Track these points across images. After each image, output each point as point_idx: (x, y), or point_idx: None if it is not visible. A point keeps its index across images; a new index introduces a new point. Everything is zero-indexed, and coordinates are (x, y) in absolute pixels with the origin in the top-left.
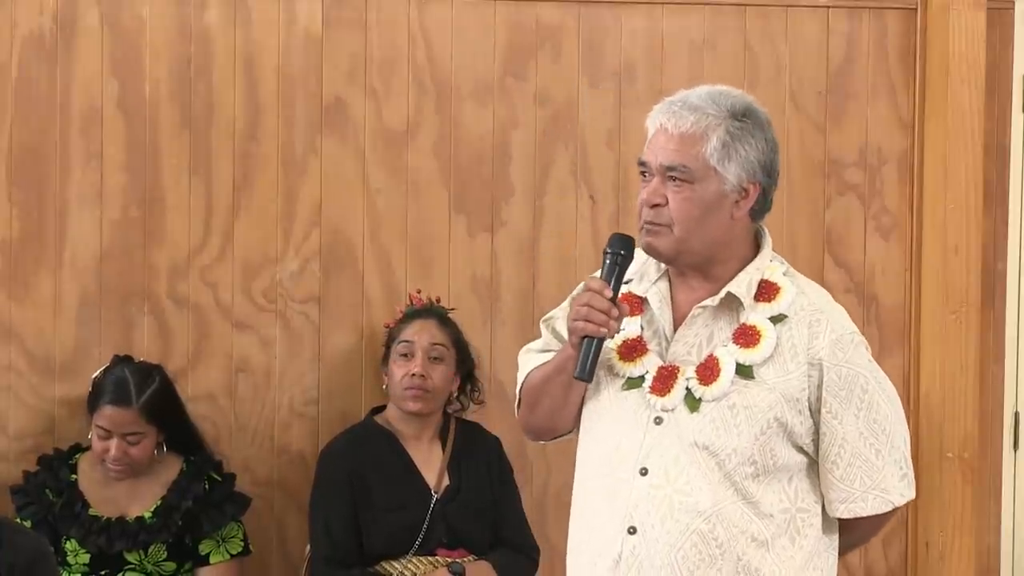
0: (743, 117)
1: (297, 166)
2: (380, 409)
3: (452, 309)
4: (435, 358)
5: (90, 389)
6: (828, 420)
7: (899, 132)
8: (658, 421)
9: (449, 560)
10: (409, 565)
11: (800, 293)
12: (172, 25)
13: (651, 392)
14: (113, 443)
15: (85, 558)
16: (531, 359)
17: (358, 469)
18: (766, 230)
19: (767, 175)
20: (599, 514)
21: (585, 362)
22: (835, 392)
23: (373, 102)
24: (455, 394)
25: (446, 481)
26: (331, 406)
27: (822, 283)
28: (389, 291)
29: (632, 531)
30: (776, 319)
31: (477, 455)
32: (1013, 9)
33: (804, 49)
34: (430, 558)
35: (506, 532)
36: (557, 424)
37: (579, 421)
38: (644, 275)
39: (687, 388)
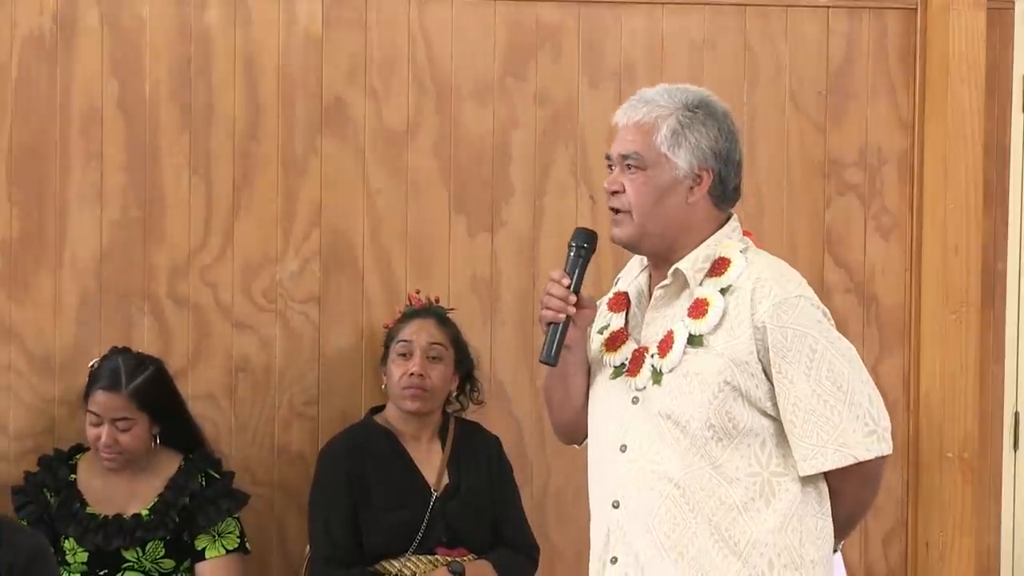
0: (695, 108)
1: (297, 166)
2: (380, 409)
3: (452, 309)
4: (433, 358)
5: (87, 379)
6: (780, 380)
7: (899, 132)
8: (635, 400)
9: (449, 559)
10: (409, 564)
11: (749, 264)
12: (172, 25)
13: (627, 375)
14: (104, 429)
15: (83, 556)
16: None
17: (358, 468)
18: (736, 216)
19: (722, 163)
20: (595, 496)
21: (550, 346)
22: (783, 353)
23: (373, 102)
24: (454, 394)
25: (446, 480)
26: (331, 406)
27: (822, 283)
28: (389, 291)
29: (616, 505)
30: (724, 290)
31: (477, 454)
32: (1013, 9)
33: (804, 49)
34: (430, 557)
35: (506, 531)
36: (570, 419)
37: None
38: (629, 273)
39: (652, 365)
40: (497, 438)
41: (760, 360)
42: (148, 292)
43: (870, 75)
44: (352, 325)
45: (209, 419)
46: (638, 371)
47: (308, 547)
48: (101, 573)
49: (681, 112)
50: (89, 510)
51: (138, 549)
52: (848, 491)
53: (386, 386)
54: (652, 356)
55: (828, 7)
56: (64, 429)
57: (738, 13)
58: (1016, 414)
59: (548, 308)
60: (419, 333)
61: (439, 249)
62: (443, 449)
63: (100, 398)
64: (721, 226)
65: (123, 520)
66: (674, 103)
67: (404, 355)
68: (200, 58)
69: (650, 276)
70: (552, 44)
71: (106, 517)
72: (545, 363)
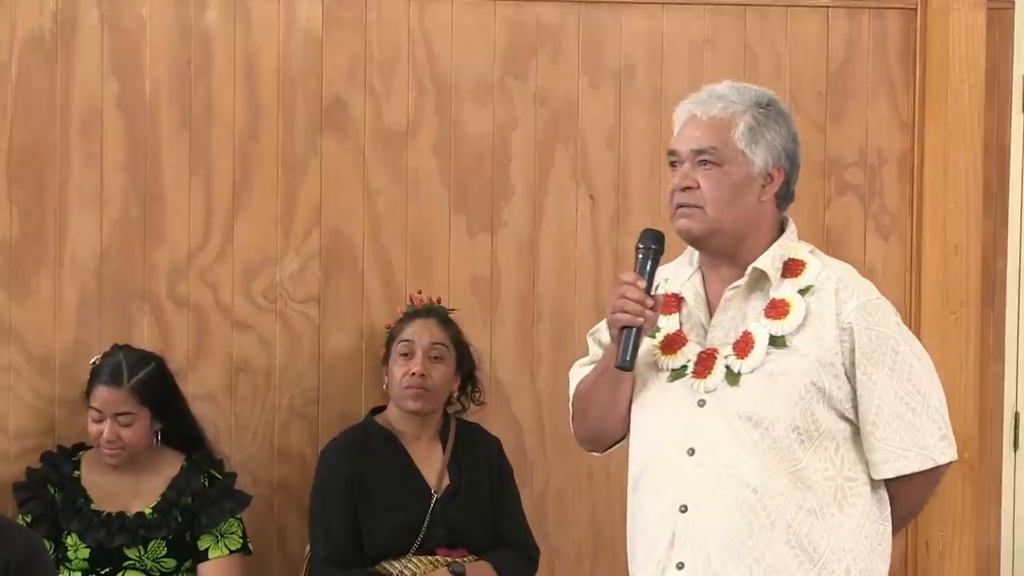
0: (767, 106)
1: (297, 166)
2: (380, 409)
3: (454, 309)
4: (435, 358)
5: (88, 377)
6: (864, 382)
7: (899, 132)
8: (702, 403)
9: (449, 560)
10: (409, 565)
11: (825, 266)
12: (172, 25)
13: (694, 377)
14: (106, 425)
15: (85, 553)
16: (580, 372)
17: (358, 469)
18: (790, 218)
19: (790, 162)
20: (652, 500)
21: (625, 351)
22: (868, 354)
23: (373, 102)
24: (455, 394)
25: (446, 481)
26: (331, 406)
27: None
28: (389, 291)
29: (683, 509)
30: (804, 291)
31: (477, 455)
32: (1013, 9)
33: (804, 49)
34: (430, 558)
35: (506, 532)
36: (608, 427)
37: (629, 424)
38: (678, 274)
39: (726, 366)
40: (497, 439)
41: (844, 362)
42: (148, 292)
43: (870, 75)
44: (352, 325)
45: (209, 419)
46: (707, 373)
47: (308, 547)
48: (103, 572)
49: (755, 109)
50: (93, 506)
51: (140, 547)
52: (911, 494)
53: (387, 386)
54: (726, 357)
55: (828, 7)
56: (64, 429)
57: (738, 13)
58: (1016, 414)
59: (624, 312)
60: (421, 333)
61: (439, 249)
62: (444, 450)
63: (102, 394)
64: (779, 227)
65: (126, 518)
66: (746, 100)
67: (406, 355)
68: (200, 58)
69: (703, 278)
70: (552, 44)
71: (109, 514)
72: (622, 369)
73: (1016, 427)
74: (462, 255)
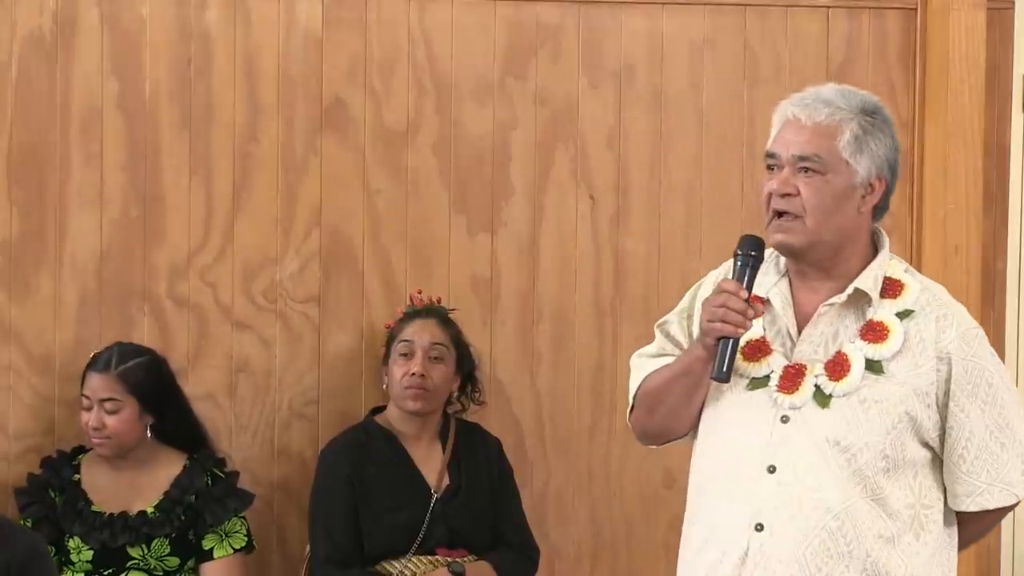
0: (873, 114)
1: (297, 166)
2: (380, 409)
3: (454, 309)
4: (435, 358)
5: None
6: (955, 413)
7: (899, 132)
8: (785, 419)
9: (449, 560)
10: (409, 565)
11: (924, 289)
12: (172, 25)
13: (778, 390)
14: (92, 412)
15: (88, 555)
16: (646, 364)
17: (358, 469)
18: (882, 230)
19: (891, 173)
20: (723, 512)
21: (723, 363)
22: (962, 386)
23: (373, 102)
24: (455, 394)
25: (446, 481)
26: (331, 406)
27: None
28: (389, 291)
29: (759, 528)
30: (903, 314)
31: (477, 455)
32: (1013, 9)
33: (804, 49)
34: (430, 558)
35: (506, 532)
36: (676, 426)
37: (697, 424)
38: (764, 276)
39: (816, 385)
40: (497, 439)
41: (937, 392)
42: (148, 292)
43: (870, 75)
44: (352, 325)
45: (209, 419)
46: (795, 389)
47: (308, 547)
48: (106, 573)
49: (862, 117)
50: (94, 508)
51: (143, 546)
52: (983, 524)
53: (387, 386)
54: (818, 376)
55: (828, 7)
56: (64, 429)
57: (738, 13)
58: None
59: (725, 322)
60: (421, 333)
61: (439, 249)
62: (444, 450)
63: (90, 380)
64: (872, 238)
65: (129, 517)
66: (852, 106)
67: (406, 355)
68: (200, 58)
69: (790, 284)
70: (552, 44)
71: (111, 515)
72: (719, 380)
73: None
74: (462, 255)
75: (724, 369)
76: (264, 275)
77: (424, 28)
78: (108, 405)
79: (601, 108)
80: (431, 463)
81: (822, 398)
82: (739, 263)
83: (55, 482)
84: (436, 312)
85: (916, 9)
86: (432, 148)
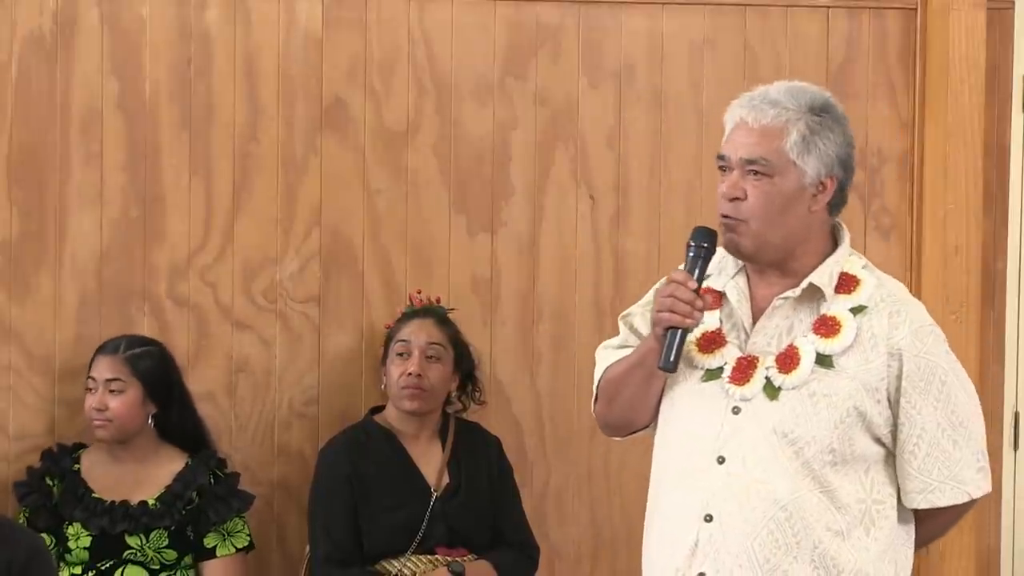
0: (822, 112)
1: (297, 166)
2: (380, 409)
3: (453, 309)
4: (432, 357)
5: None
6: (907, 410)
7: (899, 132)
8: (736, 410)
9: (449, 559)
10: (409, 564)
11: (879, 285)
12: (172, 25)
13: (730, 382)
14: (96, 395)
15: (86, 542)
16: (609, 355)
17: (358, 468)
18: (843, 225)
19: (844, 170)
20: (676, 503)
21: (669, 353)
22: (914, 382)
23: (373, 102)
24: (454, 394)
25: (446, 480)
26: (331, 406)
27: None
28: (389, 291)
29: (709, 519)
30: (856, 310)
31: (477, 454)
32: (1013, 9)
33: (804, 49)
34: (430, 557)
35: (506, 532)
36: (635, 417)
37: (657, 415)
38: (722, 270)
39: (766, 377)
40: (497, 438)
41: (888, 387)
42: (148, 292)
43: (870, 75)
44: (352, 325)
45: (209, 419)
46: (746, 381)
47: (308, 547)
48: (103, 566)
49: (809, 116)
50: (95, 495)
51: (142, 536)
52: (940, 523)
53: (386, 386)
54: (768, 368)
55: (828, 7)
56: (64, 429)
57: (738, 13)
58: (1016, 414)
59: (673, 312)
60: (418, 333)
61: (439, 249)
62: (443, 449)
63: (97, 363)
64: (830, 233)
65: (130, 506)
66: (800, 105)
67: (403, 355)
68: (200, 58)
69: (748, 278)
70: (552, 44)
71: (112, 502)
72: (665, 370)
73: (1016, 427)
74: (462, 255)
75: (671, 359)
76: (264, 275)
77: (424, 28)
78: (113, 386)
79: (601, 108)
80: (431, 462)
81: (771, 390)
82: (691, 254)
83: (55, 470)
84: (434, 312)
85: (916, 9)
86: (432, 148)
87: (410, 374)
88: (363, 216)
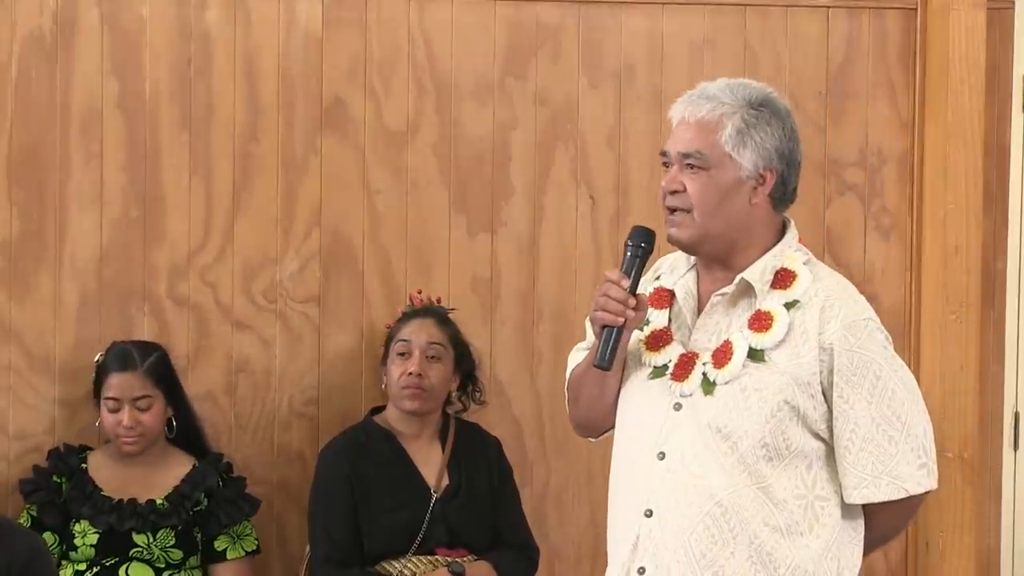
0: (759, 106)
1: (297, 166)
2: (380, 409)
3: (453, 309)
4: (432, 357)
5: (94, 373)
6: (840, 405)
7: (899, 132)
8: (677, 407)
9: (449, 560)
10: (409, 564)
11: (816, 280)
12: (172, 25)
13: (672, 378)
14: (124, 412)
15: (93, 539)
16: (577, 357)
17: (358, 469)
18: (792, 221)
19: (785, 163)
20: (622, 499)
21: (604, 351)
22: (847, 377)
23: (373, 102)
24: (455, 394)
25: (446, 480)
26: (331, 406)
27: None
28: (389, 291)
29: (648, 514)
30: (790, 305)
31: (477, 455)
32: (1013, 9)
33: (804, 49)
34: (430, 558)
35: (506, 532)
36: (596, 417)
37: None
38: (674, 268)
39: (703, 373)
40: (497, 439)
41: (821, 382)
42: (148, 292)
43: (870, 75)
44: (352, 325)
45: (209, 419)
46: (685, 377)
47: (308, 547)
48: (108, 563)
49: (746, 110)
50: (103, 493)
51: (149, 534)
52: (886, 519)
53: (386, 386)
54: (704, 364)
55: (828, 7)
56: (64, 429)
57: (738, 13)
58: (1016, 414)
59: (605, 311)
60: (418, 333)
61: (439, 249)
62: (443, 450)
63: (116, 380)
64: (778, 229)
65: (138, 504)
66: (738, 100)
67: (403, 355)
68: (200, 58)
69: (698, 276)
70: (552, 44)
71: (120, 500)
72: (599, 368)
73: (1016, 427)
74: (462, 255)
75: (606, 357)
76: (264, 275)
77: (424, 28)
78: (141, 403)
79: (601, 108)
80: (431, 463)
81: (708, 385)
82: (628, 254)
83: (62, 468)
84: (434, 312)
85: (916, 9)
86: (432, 148)
87: (411, 374)
88: (363, 216)
